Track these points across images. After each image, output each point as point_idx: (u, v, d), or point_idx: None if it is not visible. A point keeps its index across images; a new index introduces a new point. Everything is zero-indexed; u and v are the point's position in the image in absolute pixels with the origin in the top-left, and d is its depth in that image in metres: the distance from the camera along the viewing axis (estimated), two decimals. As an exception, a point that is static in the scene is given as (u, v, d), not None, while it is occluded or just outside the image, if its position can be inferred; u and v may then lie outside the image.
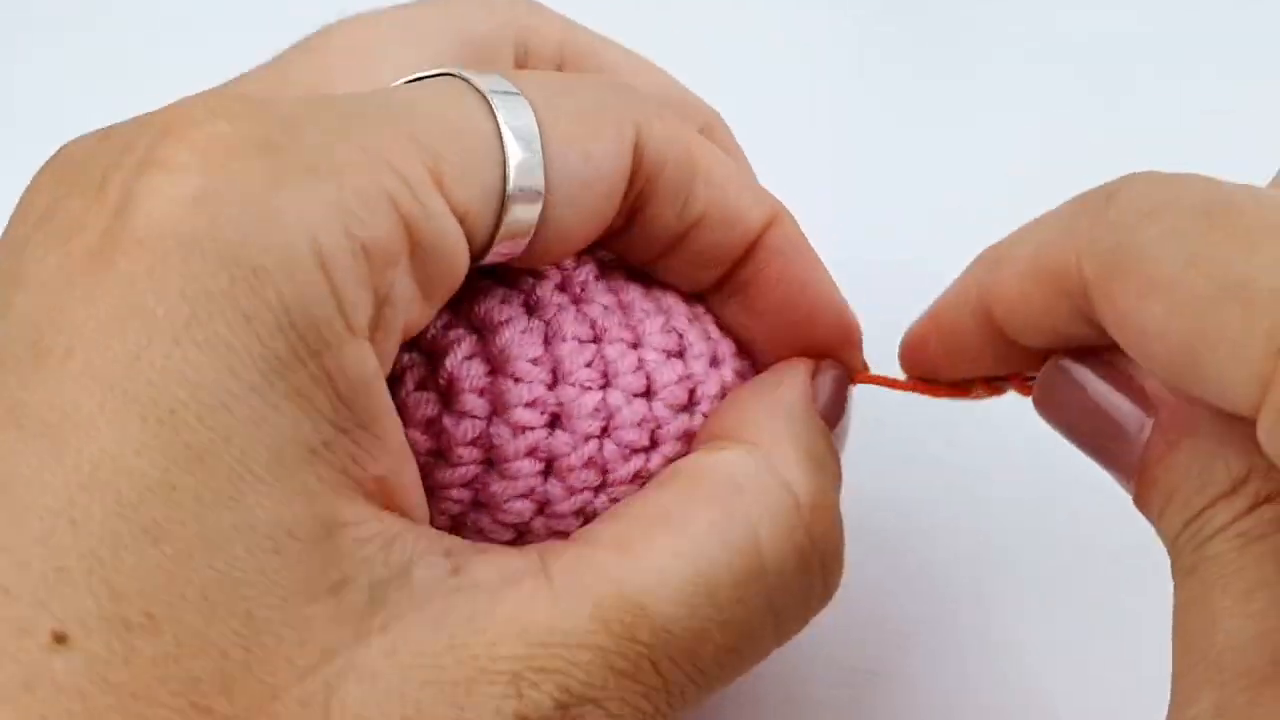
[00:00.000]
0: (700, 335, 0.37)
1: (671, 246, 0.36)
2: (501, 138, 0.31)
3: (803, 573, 0.33)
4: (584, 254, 0.36)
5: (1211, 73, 0.61)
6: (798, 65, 0.62)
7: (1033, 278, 0.32)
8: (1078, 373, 0.33)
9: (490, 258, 0.32)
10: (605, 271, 0.37)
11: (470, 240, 0.31)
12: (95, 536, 0.25)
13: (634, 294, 0.36)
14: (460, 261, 0.31)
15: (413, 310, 0.31)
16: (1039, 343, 0.33)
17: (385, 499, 0.29)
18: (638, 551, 0.30)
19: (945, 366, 0.36)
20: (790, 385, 0.36)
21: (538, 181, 0.32)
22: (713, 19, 0.64)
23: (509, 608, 0.29)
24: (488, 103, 0.31)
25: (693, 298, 0.38)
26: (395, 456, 0.30)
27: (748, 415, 0.35)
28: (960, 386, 0.37)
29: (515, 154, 0.31)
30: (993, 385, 0.36)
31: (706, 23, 0.64)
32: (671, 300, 0.37)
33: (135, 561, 0.25)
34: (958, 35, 0.64)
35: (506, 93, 0.32)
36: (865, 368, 0.39)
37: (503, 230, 0.32)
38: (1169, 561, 0.31)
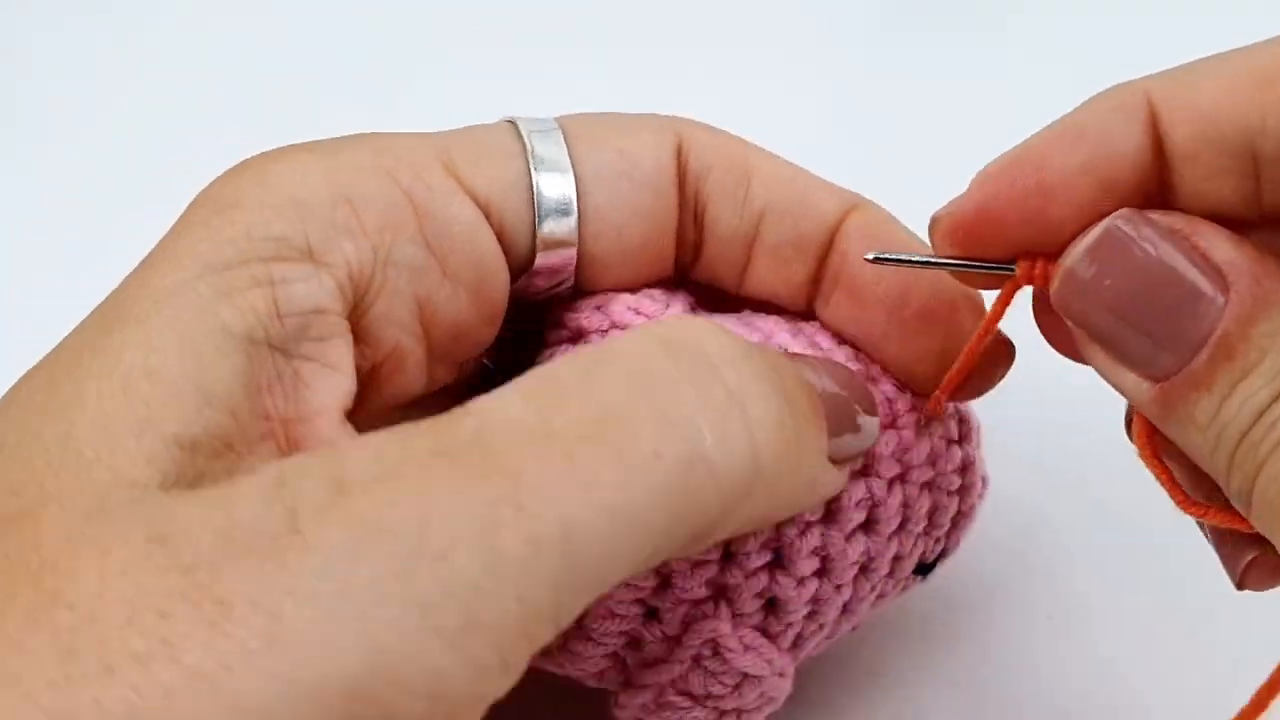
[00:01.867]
0: (806, 345, 0.36)
1: (748, 249, 0.36)
2: (521, 136, 0.35)
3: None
4: (672, 293, 0.37)
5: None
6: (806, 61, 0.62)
7: (1267, 79, 0.29)
8: (1146, 234, 0.30)
9: (543, 259, 0.35)
10: (697, 309, 0.37)
11: (506, 233, 0.34)
12: None
13: (730, 322, 0.36)
14: (480, 243, 0.34)
15: (432, 282, 0.33)
16: (1221, 171, 0.30)
17: (288, 445, 0.30)
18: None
19: (1019, 226, 0.32)
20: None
21: (564, 170, 0.34)
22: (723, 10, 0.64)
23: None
24: (516, 127, 0.35)
25: (797, 316, 0.37)
26: (309, 409, 0.30)
27: None
28: (990, 273, 0.32)
29: (536, 149, 0.34)
30: (1036, 264, 0.32)
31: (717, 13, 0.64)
32: (770, 323, 0.37)
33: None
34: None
35: (533, 117, 0.35)
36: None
37: (541, 213, 0.34)
38: (1235, 456, 0.29)
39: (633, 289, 0.36)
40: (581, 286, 0.36)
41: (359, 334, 0.32)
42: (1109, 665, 0.44)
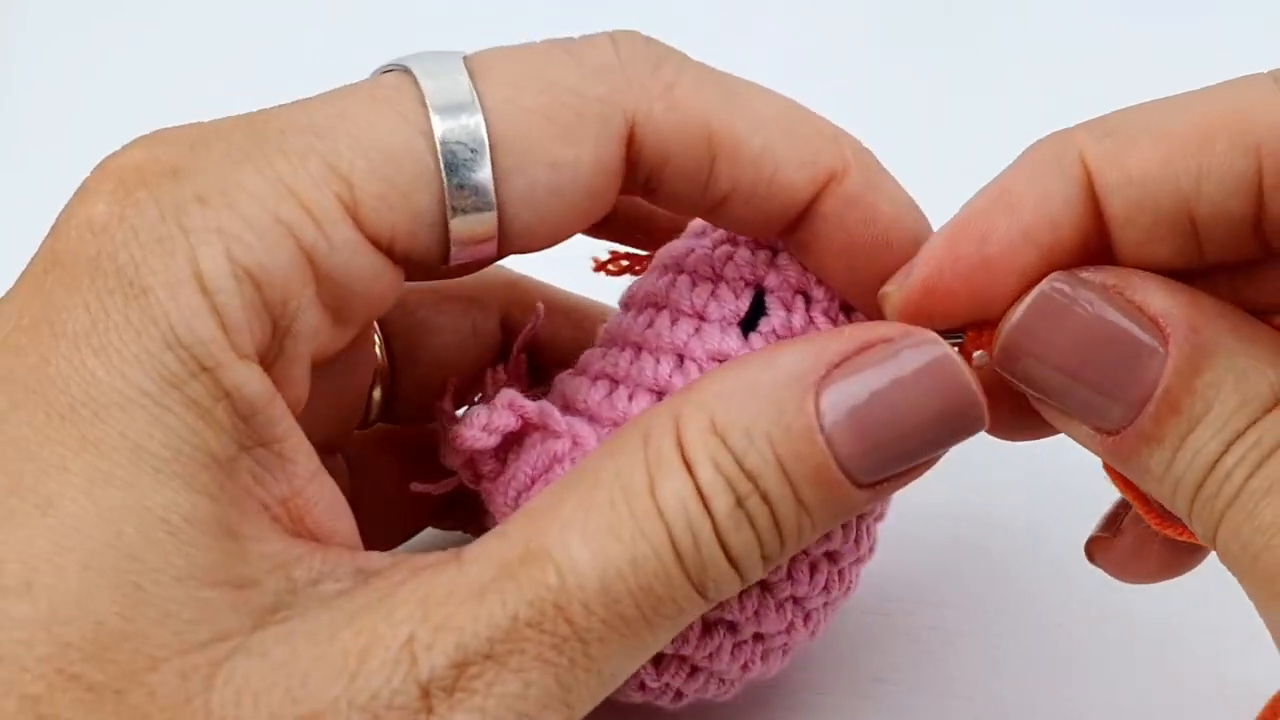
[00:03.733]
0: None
1: (709, 211, 0.34)
2: (438, 159, 0.30)
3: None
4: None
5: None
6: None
7: (1201, 140, 0.29)
8: (1081, 294, 0.30)
9: (457, 262, 0.32)
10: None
11: (413, 256, 0.31)
12: None
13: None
14: (379, 288, 0.31)
15: (323, 337, 0.31)
16: (1158, 234, 0.30)
17: (293, 522, 0.30)
18: (547, 514, 0.30)
19: (967, 299, 0.31)
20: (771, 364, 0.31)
21: (484, 200, 0.31)
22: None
23: (413, 585, 0.29)
24: (428, 116, 0.30)
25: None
26: (304, 479, 0.30)
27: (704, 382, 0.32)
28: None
29: (451, 172, 0.30)
30: (984, 333, 0.32)
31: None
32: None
33: (21, 531, 0.26)
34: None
35: (455, 105, 0.30)
36: None
37: (453, 244, 0.31)
38: (1193, 508, 0.29)
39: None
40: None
41: None
42: (1118, 676, 0.44)
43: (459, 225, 0.31)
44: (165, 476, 0.28)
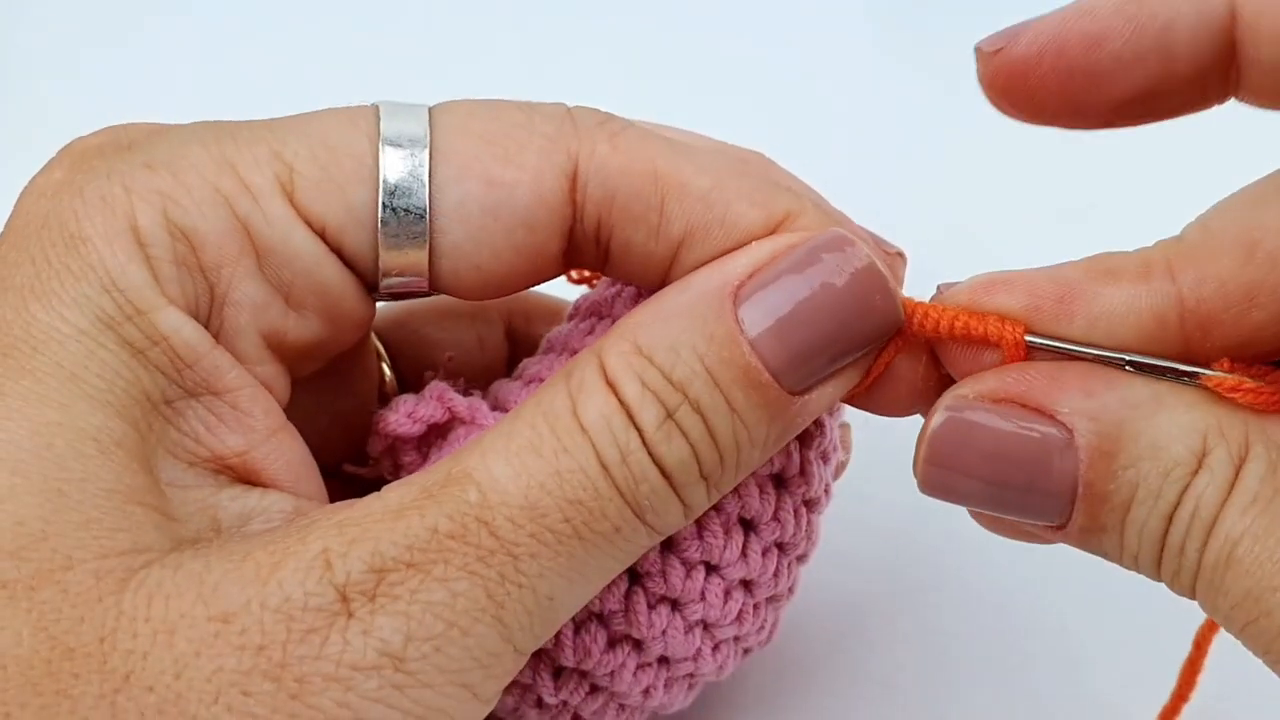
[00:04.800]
0: None
1: (665, 269, 0.33)
2: (377, 158, 0.31)
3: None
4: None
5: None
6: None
7: None
8: (978, 413, 0.30)
9: (389, 283, 0.32)
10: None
11: (351, 261, 0.32)
12: None
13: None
14: (324, 273, 0.31)
15: (276, 315, 0.32)
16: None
17: (248, 474, 0.31)
18: (468, 448, 0.30)
19: (1054, 94, 0.31)
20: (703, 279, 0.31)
21: (416, 201, 0.31)
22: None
23: (331, 512, 0.29)
24: (377, 130, 0.31)
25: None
26: (262, 435, 0.31)
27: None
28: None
29: (388, 172, 0.31)
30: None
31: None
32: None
33: None
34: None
35: (411, 111, 0.32)
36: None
37: (384, 256, 0.31)
38: (1165, 580, 0.29)
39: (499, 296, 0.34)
40: (440, 292, 0.33)
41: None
42: (1125, 677, 0.44)
43: (389, 219, 0.31)
44: (98, 404, 0.29)
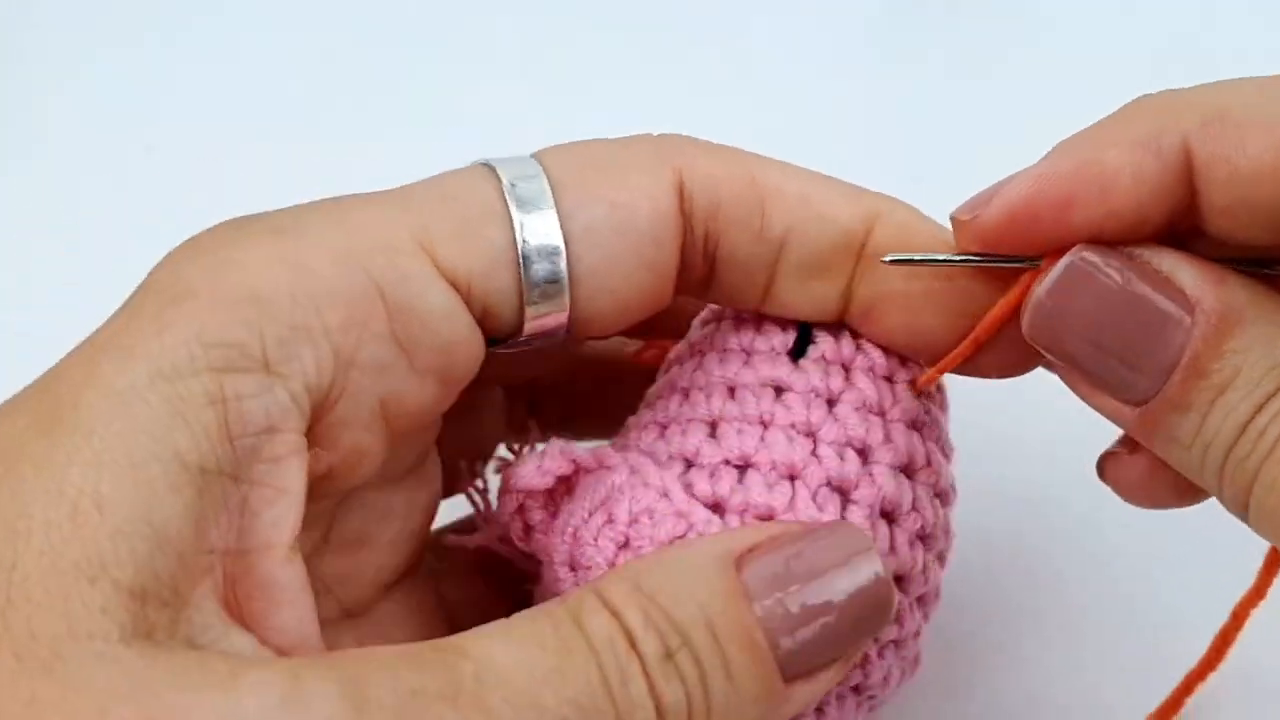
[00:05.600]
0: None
1: (769, 274, 0.34)
2: (505, 199, 0.31)
3: None
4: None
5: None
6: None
7: None
8: (1109, 264, 0.30)
9: (531, 326, 0.32)
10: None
11: (490, 311, 0.32)
12: None
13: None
14: (453, 327, 0.31)
15: (397, 379, 0.31)
16: (1255, 224, 0.29)
17: (222, 585, 0.28)
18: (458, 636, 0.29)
19: (1034, 243, 0.31)
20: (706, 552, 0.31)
21: (552, 235, 0.32)
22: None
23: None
24: (497, 178, 0.32)
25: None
26: (255, 541, 0.29)
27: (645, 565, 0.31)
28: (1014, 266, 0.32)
29: (518, 211, 0.31)
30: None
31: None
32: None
33: None
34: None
35: (517, 159, 0.32)
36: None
37: (529, 290, 0.32)
38: (1224, 470, 0.29)
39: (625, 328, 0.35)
40: (573, 334, 0.34)
41: (315, 438, 0.30)
42: (1131, 682, 0.43)
43: (537, 268, 0.31)
44: (100, 463, 0.27)
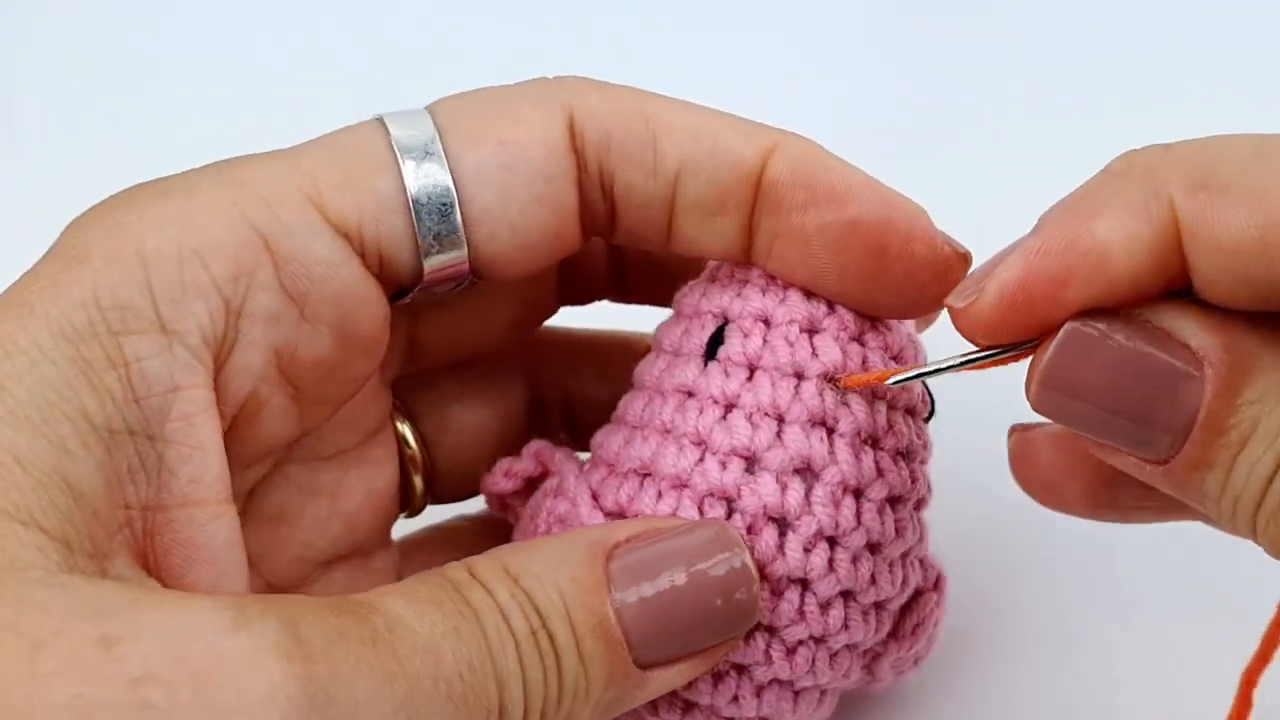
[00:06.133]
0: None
1: (668, 211, 0.34)
2: (394, 148, 0.32)
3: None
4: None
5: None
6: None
7: None
8: (1112, 328, 0.29)
9: (434, 271, 0.33)
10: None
11: (387, 259, 0.32)
12: None
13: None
14: (344, 277, 0.32)
15: (288, 328, 0.31)
16: (1242, 293, 0.28)
17: (135, 540, 0.29)
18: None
19: (1033, 325, 0.30)
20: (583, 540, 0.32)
21: (440, 178, 0.32)
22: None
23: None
24: (385, 129, 0.32)
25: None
26: (173, 499, 0.30)
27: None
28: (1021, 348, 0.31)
29: (408, 157, 0.32)
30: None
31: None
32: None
33: None
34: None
35: (408, 112, 0.33)
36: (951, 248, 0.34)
37: (422, 233, 0.32)
38: (1256, 523, 0.28)
39: (539, 270, 0.36)
40: (481, 279, 0.35)
41: (216, 390, 0.31)
42: (1136, 688, 0.44)
43: (428, 212, 0.32)
44: (14, 419, 0.28)
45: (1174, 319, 0.29)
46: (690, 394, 0.35)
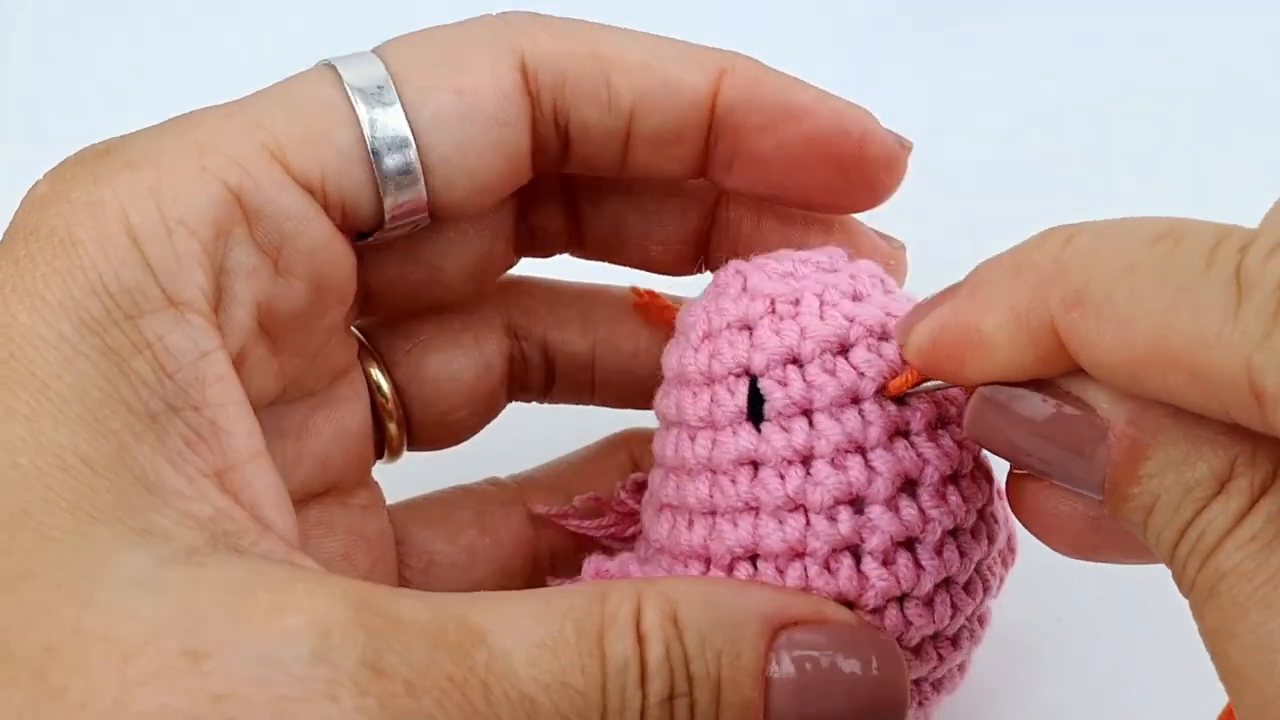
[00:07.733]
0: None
1: (624, 142, 0.35)
2: (349, 98, 0.32)
3: None
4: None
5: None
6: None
7: (1163, 369, 0.26)
8: (1016, 399, 0.29)
9: (395, 216, 0.34)
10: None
11: (349, 209, 0.33)
12: None
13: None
14: (314, 230, 0.32)
15: (265, 282, 0.32)
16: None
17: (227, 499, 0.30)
18: (496, 601, 0.30)
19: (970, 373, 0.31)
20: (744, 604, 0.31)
21: (399, 128, 0.33)
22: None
23: (344, 578, 0.29)
24: (339, 79, 0.33)
25: None
26: (242, 456, 0.30)
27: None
28: None
29: (364, 109, 0.32)
30: None
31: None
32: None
33: None
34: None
35: (358, 56, 0.33)
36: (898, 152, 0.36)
37: (383, 184, 0.33)
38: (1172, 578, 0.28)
39: (492, 207, 0.36)
40: (437, 219, 0.35)
41: None
42: (1139, 688, 0.44)
43: (389, 161, 0.32)
44: (67, 418, 0.28)
45: (1086, 385, 0.28)
46: (756, 464, 0.33)
